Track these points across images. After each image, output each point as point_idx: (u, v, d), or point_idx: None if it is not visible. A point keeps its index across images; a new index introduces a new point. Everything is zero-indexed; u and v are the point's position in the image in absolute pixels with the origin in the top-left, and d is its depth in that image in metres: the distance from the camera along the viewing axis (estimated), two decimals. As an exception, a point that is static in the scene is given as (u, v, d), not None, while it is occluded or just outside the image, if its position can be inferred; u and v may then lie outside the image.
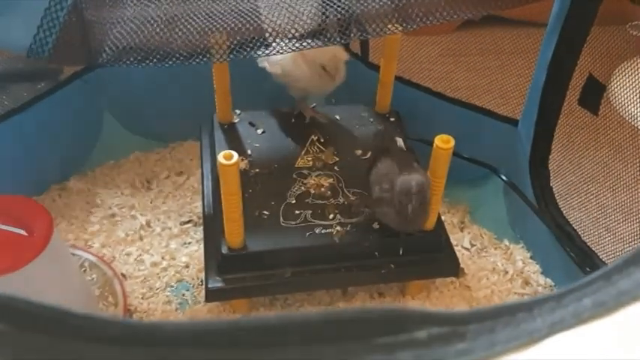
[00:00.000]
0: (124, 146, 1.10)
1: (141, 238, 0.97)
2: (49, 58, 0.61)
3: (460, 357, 0.21)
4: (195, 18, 0.64)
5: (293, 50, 0.66)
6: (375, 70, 0.98)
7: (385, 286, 0.90)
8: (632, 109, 0.98)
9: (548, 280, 0.92)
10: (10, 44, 0.68)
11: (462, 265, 0.87)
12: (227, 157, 0.67)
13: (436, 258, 0.84)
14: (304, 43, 0.65)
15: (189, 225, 0.99)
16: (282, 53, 0.66)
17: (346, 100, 1.00)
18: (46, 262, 0.68)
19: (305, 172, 0.87)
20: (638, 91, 0.87)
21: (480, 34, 1.25)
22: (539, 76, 0.86)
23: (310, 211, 0.81)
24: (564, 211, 0.89)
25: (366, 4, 0.63)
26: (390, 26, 0.65)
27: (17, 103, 0.93)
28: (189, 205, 1.02)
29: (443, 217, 0.90)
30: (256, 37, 0.65)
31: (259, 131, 0.93)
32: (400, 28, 0.66)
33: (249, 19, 0.64)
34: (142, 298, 0.88)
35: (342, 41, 0.68)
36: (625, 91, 0.85)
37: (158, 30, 0.62)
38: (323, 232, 0.79)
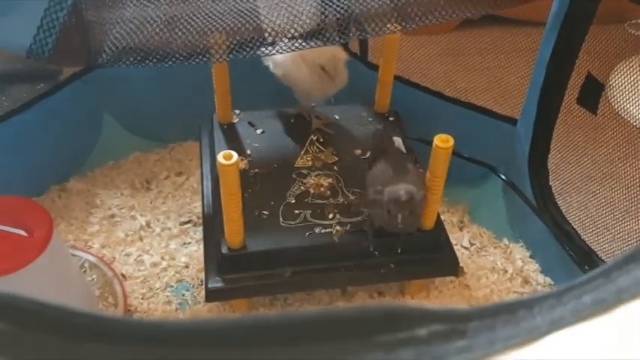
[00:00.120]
0: (123, 147, 1.10)
1: (141, 239, 0.97)
2: (48, 59, 0.62)
3: (460, 354, 0.21)
4: (194, 18, 0.64)
5: (292, 50, 0.66)
6: (374, 70, 0.98)
7: (385, 285, 0.90)
8: (631, 108, 0.98)
9: (548, 279, 0.92)
10: (9, 44, 0.68)
11: (461, 265, 0.87)
12: (227, 157, 0.67)
13: (436, 257, 0.84)
14: (303, 43, 0.65)
15: (188, 225, 0.99)
16: (281, 53, 0.66)
17: (345, 100, 1.00)
18: (46, 263, 0.68)
19: (304, 171, 0.87)
20: (636, 89, 0.87)
21: (478, 33, 1.25)
22: (537, 76, 0.86)
23: (310, 211, 0.81)
24: (563, 210, 0.89)
25: (365, 4, 0.63)
26: (389, 25, 0.65)
27: (17, 104, 0.93)
28: (189, 206, 1.02)
29: (442, 217, 0.90)
30: (255, 37, 0.65)
31: (259, 131, 0.94)
32: (399, 28, 0.66)
33: (248, 18, 0.64)
34: (142, 298, 0.88)
35: (342, 41, 0.68)
36: (624, 90, 0.85)
37: (158, 30, 0.62)
38: (322, 231, 0.79)
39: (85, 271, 0.90)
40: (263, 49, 0.65)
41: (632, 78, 0.84)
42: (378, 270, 0.80)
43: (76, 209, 1.01)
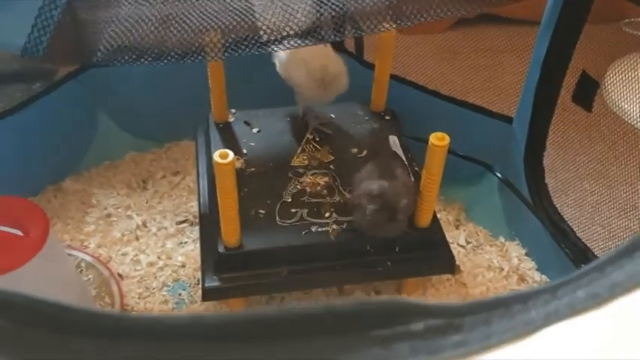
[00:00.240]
0: (119, 146, 1.10)
1: (137, 238, 0.97)
2: (43, 58, 0.61)
3: (456, 348, 0.21)
4: (189, 16, 0.64)
5: (288, 48, 0.66)
6: (370, 69, 0.98)
7: (382, 283, 0.90)
8: (626, 106, 0.98)
9: (544, 277, 0.92)
10: (4, 43, 0.67)
11: (457, 263, 0.87)
12: (223, 155, 0.67)
13: (432, 255, 0.84)
14: (299, 41, 0.65)
15: (185, 224, 0.99)
16: (276, 51, 0.66)
17: (341, 99, 1.00)
18: (42, 263, 0.68)
19: (301, 170, 0.87)
20: (631, 88, 0.87)
21: (474, 32, 1.25)
22: (533, 74, 0.86)
23: (306, 210, 0.82)
24: (559, 208, 0.89)
25: (360, 2, 0.63)
26: (384, 24, 0.66)
27: (12, 104, 0.93)
28: (185, 205, 1.02)
29: (438, 215, 0.90)
30: (251, 36, 0.65)
31: (255, 130, 0.94)
32: (394, 26, 0.66)
33: (243, 17, 0.64)
34: (139, 298, 0.88)
35: (337, 39, 0.68)
36: (619, 88, 0.85)
37: (152, 29, 0.62)
38: (319, 230, 0.79)
39: (81, 271, 0.90)
40: (257, 47, 0.65)
41: (627, 76, 0.84)
42: (375, 268, 0.80)
43: (72, 209, 1.01)
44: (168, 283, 0.90)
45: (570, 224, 0.87)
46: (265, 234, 0.79)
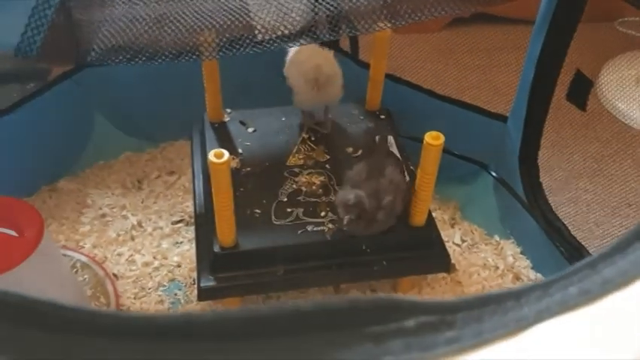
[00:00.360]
0: (114, 146, 1.10)
1: (132, 238, 0.96)
2: (37, 57, 0.61)
3: (449, 345, 0.22)
4: (183, 16, 0.64)
5: (282, 47, 0.66)
6: (365, 68, 0.98)
7: (377, 282, 0.90)
8: (620, 105, 0.99)
9: (539, 275, 0.93)
10: (-2, 43, 0.67)
11: (453, 261, 0.87)
12: (218, 155, 0.67)
13: (427, 254, 0.84)
14: (294, 40, 0.65)
15: (180, 224, 0.99)
16: (272, 50, 0.66)
17: (337, 98, 1.00)
18: (36, 263, 0.68)
19: (296, 170, 0.87)
20: (625, 87, 0.88)
21: (469, 31, 1.26)
22: (527, 73, 0.86)
23: (302, 209, 0.82)
24: (554, 207, 0.90)
25: (355, 1, 0.63)
26: (379, 23, 0.66)
27: (6, 104, 0.92)
28: (181, 205, 1.02)
29: (434, 214, 0.91)
30: (245, 35, 0.65)
31: (250, 130, 0.93)
32: (389, 25, 0.66)
33: (238, 16, 0.63)
34: (134, 298, 0.88)
35: (332, 38, 0.68)
36: (613, 87, 0.86)
37: (147, 28, 0.62)
38: (315, 229, 0.79)
39: (76, 271, 0.89)
40: (252, 46, 0.65)
41: (621, 75, 0.85)
42: (371, 267, 0.80)
43: (67, 209, 1.01)
44: (164, 283, 0.90)
45: (565, 222, 0.87)
46: (261, 233, 0.79)
